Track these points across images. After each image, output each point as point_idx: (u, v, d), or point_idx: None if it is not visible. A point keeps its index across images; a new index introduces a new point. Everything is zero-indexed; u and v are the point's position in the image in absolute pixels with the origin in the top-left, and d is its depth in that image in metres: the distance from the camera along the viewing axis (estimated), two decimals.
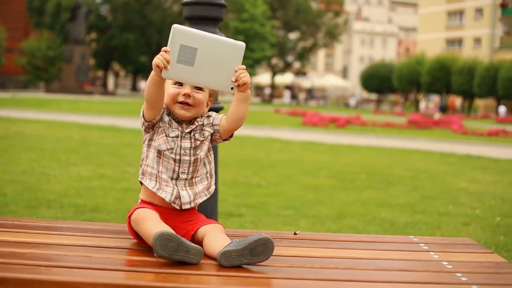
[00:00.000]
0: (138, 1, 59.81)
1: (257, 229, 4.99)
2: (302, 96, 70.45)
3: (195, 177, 2.66)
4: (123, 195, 6.80)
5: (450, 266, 2.45)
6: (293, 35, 69.00)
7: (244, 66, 2.49)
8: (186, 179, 2.64)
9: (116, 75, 77.99)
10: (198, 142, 2.65)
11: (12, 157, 9.43)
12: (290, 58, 69.10)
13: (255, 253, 2.28)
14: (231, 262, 2.26)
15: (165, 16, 60.48)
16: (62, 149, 10.97)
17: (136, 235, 2.51)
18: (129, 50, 59.94)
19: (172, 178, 2.62)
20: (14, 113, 20.64)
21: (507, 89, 49.33)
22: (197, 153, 2.64)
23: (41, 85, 57.04)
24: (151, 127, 2.64)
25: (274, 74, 68.61)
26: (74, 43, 50.46)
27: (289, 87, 71.80)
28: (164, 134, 2.61)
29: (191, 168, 2.64)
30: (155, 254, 2.24)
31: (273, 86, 70.76)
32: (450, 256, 2.61)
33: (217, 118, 2.70)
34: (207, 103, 2.71)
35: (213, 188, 2.75)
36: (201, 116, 2.69)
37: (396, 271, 2.39)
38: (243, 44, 2.50)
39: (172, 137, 2.61)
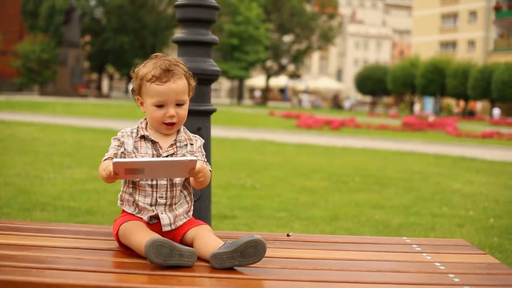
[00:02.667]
0: (132, 4, 59.87)
1: (251, 231, 4.98)
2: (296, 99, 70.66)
3: (175, 203, 2.59)
4: (117, 197, 6.75)
5: (443, 267, 2.45)
6: (287, 38, 69.14)
7: (199, 169, 2.41)
8: (165, 204, 2.56)
9: (111, 78, 77.94)
10: None
11: (6, 160, 9.41)
12: (284, 60, 69.23)
13: (246, 254, 2.26)
14: (222, 264, 2.25)
15: (159, 19, 60.62)
16: (56, 152, 10.95)
17: (126, 248, 2.46)
18: (123, 53, 59.91)
19: (151, 204, 2.55)
20: (8, 116, 20.60)
21: (501, 92, 49.47)
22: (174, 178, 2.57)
23: (36, 88, 57.01)
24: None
25: (268, 76, 68.67)
26: (68, 46, 50.50)
27: (335, 96, 71.81)
28: None
29: (168, 193, 2.56)
30: (149, 262, 2.22)
31: (267, 88, 70.80)
32: (442, 257, 2.61)
33: (198, 153, 2.62)
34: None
35: (191, 212, 2.66)
36: (184, 139, 2.61)
37: (389, 272, 2.38)
38: (194, 159, 2.38)
39: None
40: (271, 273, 2.26)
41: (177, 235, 2.54)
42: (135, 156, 2.54)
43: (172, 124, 2.56)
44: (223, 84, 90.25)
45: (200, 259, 2.34)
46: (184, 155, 2.57)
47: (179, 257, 2.22)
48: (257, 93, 71.63)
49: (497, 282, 2.31)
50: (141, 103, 2.63)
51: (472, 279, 2.30)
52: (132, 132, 2.60)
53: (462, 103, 60.61)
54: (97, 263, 2.29)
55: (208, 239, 2.42)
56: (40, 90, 53.18)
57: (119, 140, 2.59)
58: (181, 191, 2.61)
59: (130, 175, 2.38)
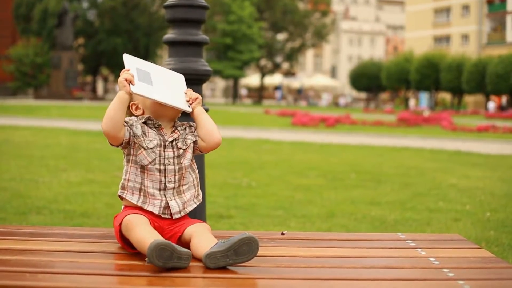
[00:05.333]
0: (125, 6, 59.77)
1: (247, 231, 4.98)
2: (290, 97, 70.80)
3: (183, 185, 2.65)
4: (112, 199, 6.77)
5: (437, 262, 2.45)
6: (281, 36, 69.15)
7: (190, 89, 2.72)
8: (173, 188, 2.61)
9: (105, 80, 77.84)
10: (181, 151, 2.63)
11: (0, 164, 9.40)
12: (278, 59, 69.24)
13: (239, 252, 2.27)
14: (216, 263, 2.25)
15: (152, 20, 60.53)
16: (51, 155, 10.93)
17: (124, 242, 2.49)
18: (117, 55, 59.74)
19: (160, 189, 2.59)
20: (2, 120, 20.57)
21: (496, 85, 49.50)
22: (181, 161, 2.62)
23: (30, 92, 56.91)
24: (127, 143, 2.60)
25: (263, 75, 68.67)
26: (62, 49, 50.39)
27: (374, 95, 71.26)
28: (142, 148, 2.58)
29: (177, 177, 2.61)
30: (147, 263, 2.21)
31: (262, 87, 70.82)
32: (437, 252, 2.61)
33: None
34: None
35: (201, 196, 2.74)
36: (182, 124, 2.69)
37: (383, 268, 2.38)
38: (182, 75, 2.77)
39: (152, 147, 2.58)
40: (265, 272, 2.26)
41: (178, 231, 2.56)
42: (143, 140, 2.59)
43: None
44: (218, 84, 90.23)
45: (195, 258, 2.35)
46: (185, 138, 2.67)
47: (178, 259, 2.23)
48: (244, 92, 71.89)
49: (491, 276, 2.31)
50: (136, 107, 2.68)
51: (466, 274, 2.30)
52: (137, 120, 2.64)
53: (495, 98, 57.96)
54: (91, 266, 2.29)
55: (203, 239, 2.44)
56: (34, 93, 53.07)
57: (127, 122, 2.61)
58: (189, 174, 2.68)
59: (142, 81, 2.57)
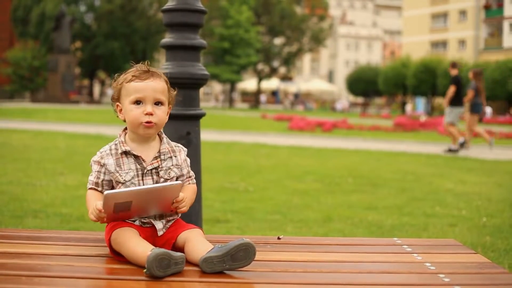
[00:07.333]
0: (122, 9, 59.77)
1: (244, 235, 4.97)
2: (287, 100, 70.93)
3: (165, 215, 2.59)
4: None
5: (433, 268, 2.45)
6: (278, 40, 69.26)
7: (181, 198, 2.48)
8: (155, 216, 2.56)
9: (102, 83, 77.80)
10: (162, 180, 2.56)
11: None
12: (275, 63, 69.31)
13: (236, 258, 2.26)
14: (212, 268, 2.24)
15: (149, 24, 60.56)
16: (48, 158, 10.92)
17: (117, 254, 2.45)
18: (114, 58, 59.83)
19: (140, 220, 2.56)
20: None
21: (492, 90, 49.56)
22: None
23: (27, 95, 56.89)
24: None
25: (260, 79, 68.70)
26: (59, 52, 50.38)
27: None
28: (119, 184, 2.52)
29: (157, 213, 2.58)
30: (146, 273, 2.20)
31: (259, 91, 70.88)
32: (433, 258, 2.61)
33: (184, 168, 2.64)
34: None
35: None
36: (168, 152, 2.60)
37: (379, 273, 2.38)
38: (179, 184, 2.47)
39: (129, 179, 2.52)
40: (261, 277, 2.26)
41: (171, 238, 2.53)
42: (119, 174, 2.52)
43: (151, 123, 2.52)
44: (215, 88, 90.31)
45: (189, 263, 2.34)
46: (169, 168, 2.58)
47: (175, 265, 2.22)
48: (234, 95, 72.41)
49: (487, 281, 2.31)
50: (120, 110, 2.61)
51: (462, 279, 2.31)
52: (111, 149, 2.57)
53: None
54: (88, 270, 2.29)
55: (198, 243, 2.41)
56: (31, 97, 53.08)
57: (99, 163, 2.56)
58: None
59: (117, 212, 2.38)
